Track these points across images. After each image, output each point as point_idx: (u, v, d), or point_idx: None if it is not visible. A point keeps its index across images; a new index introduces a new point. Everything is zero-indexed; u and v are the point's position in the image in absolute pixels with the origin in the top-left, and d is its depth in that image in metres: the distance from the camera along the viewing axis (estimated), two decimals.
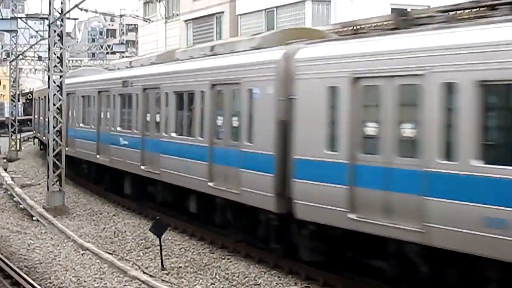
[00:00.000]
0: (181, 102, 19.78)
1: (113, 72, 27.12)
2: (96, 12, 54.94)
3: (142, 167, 22.03)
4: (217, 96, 17.62)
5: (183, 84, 19.52)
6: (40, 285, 14.76)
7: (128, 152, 23.31)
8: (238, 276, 15.52)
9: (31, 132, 64.79)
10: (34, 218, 23.17)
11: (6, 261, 16.27)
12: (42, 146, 44.59)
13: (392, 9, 34.63)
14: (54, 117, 25.27)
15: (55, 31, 25.11)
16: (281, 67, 14.99)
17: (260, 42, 16.93)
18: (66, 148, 28.72)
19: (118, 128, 24.54)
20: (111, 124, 25.34)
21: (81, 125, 29.83)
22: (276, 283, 14.90)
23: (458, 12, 13.54)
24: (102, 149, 26.27)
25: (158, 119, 21.17)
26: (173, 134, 19.94)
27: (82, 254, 17.64)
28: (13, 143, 49.20)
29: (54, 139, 25.11)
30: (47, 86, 26.89)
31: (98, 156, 26.77)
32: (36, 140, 51.03)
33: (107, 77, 27.15)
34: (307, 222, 14.28)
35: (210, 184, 17.54)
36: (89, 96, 28.52)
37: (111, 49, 63.06)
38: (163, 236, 17.17)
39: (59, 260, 17.13)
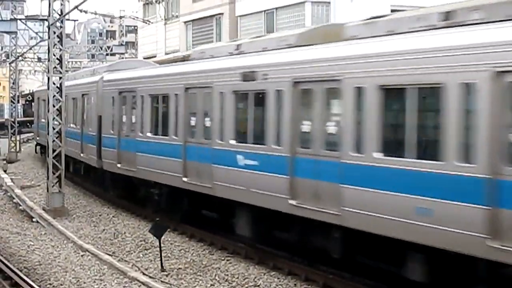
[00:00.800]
0: (400, 103, 12.27)
1: (213, 61, 18.58)
2: (95, 13, 55.12)
3: (292, 201, 14.60)
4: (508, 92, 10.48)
5: (403, 73, 11.93)
6: (39, 286, 14.77)
7: (255, 177, 15.84)
8: (237, 277, 15.51)
9: (31, 134, 64.83)
10: (33, 220, 23.18)
11: (6, 262, 16.27)
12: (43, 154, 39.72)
13: (392, 10, 34.68)
14: (54, 118, 25.24)
15: (54, 33, 25.11)
16: None
17: None
18: (118, 165, 23.86)
19: (232, 142, 16.91)
20: (214, 136, 17.62)
21: (148, 134, 21.62)
22: (276, 285, 14.89)
23: None
24: (194, 169, 18.70)
25: (333, 130, 13.86)
26: (378, 155, 12.43)
27: (81, 256, 17.64)
28: (12, 144, 49.22)
29: (53, 141, 25.06)
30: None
31: (185, 179, 19.11)
32: (35, 145, 47.59)
33: (203, 68, 18.71)
34: None
35: (493, 244, 10.45)
36: (166, 95, 20.38)
37: (111, 50, 63.07)
38: (162, 237, 17.16)
39: (58, 262, 17.13)
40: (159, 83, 21.06)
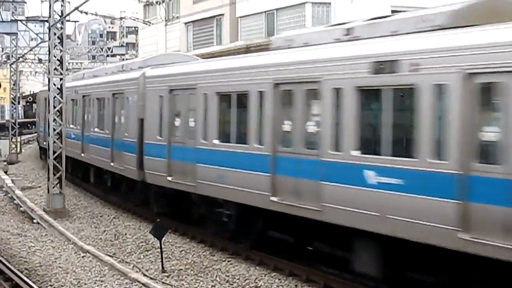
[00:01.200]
0: None
1: (320, 49, 14.48)
2: (96, 14, 54.81)
3: (465, 235, 10.79)
4: None
5: None
6: (40, 287, 14.77)
7: (396, 200, 12.03)
8: (238, 279, 15.51)
9: (31, 135, 64.85)
10: (34, 221, 23.17)
11: (7, 263, 16.26)
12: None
13: (392, 10, 34.70)
14: (54, 119, 25.24)
15: (55, 34, 25.12)
16: None
17: None
18: (169, 178, 19.79)
19: (354, 153, 13.03)
20: (324, 145, 13.80)
21: (214, 142, 17.57)
22: (277, 285, 14.88)
23: None
24: (289, 187, 14.92)
25: None
26: None
27: (82, 257, 17.64)
28: (13, 145, 49.27)
29: (54, 142, 25.07)
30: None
31: (274, 199, 15.34)
32: (39, 150, 45.77)
33: (303, 58, 14.76)
34: None
35: None
36: (244, 93, 16.48)
37: (111, 51, 63.15)
38: (163, 238, 17.16)
39: (59, 263, 17.12)
40: (232, 78, 16.98)
